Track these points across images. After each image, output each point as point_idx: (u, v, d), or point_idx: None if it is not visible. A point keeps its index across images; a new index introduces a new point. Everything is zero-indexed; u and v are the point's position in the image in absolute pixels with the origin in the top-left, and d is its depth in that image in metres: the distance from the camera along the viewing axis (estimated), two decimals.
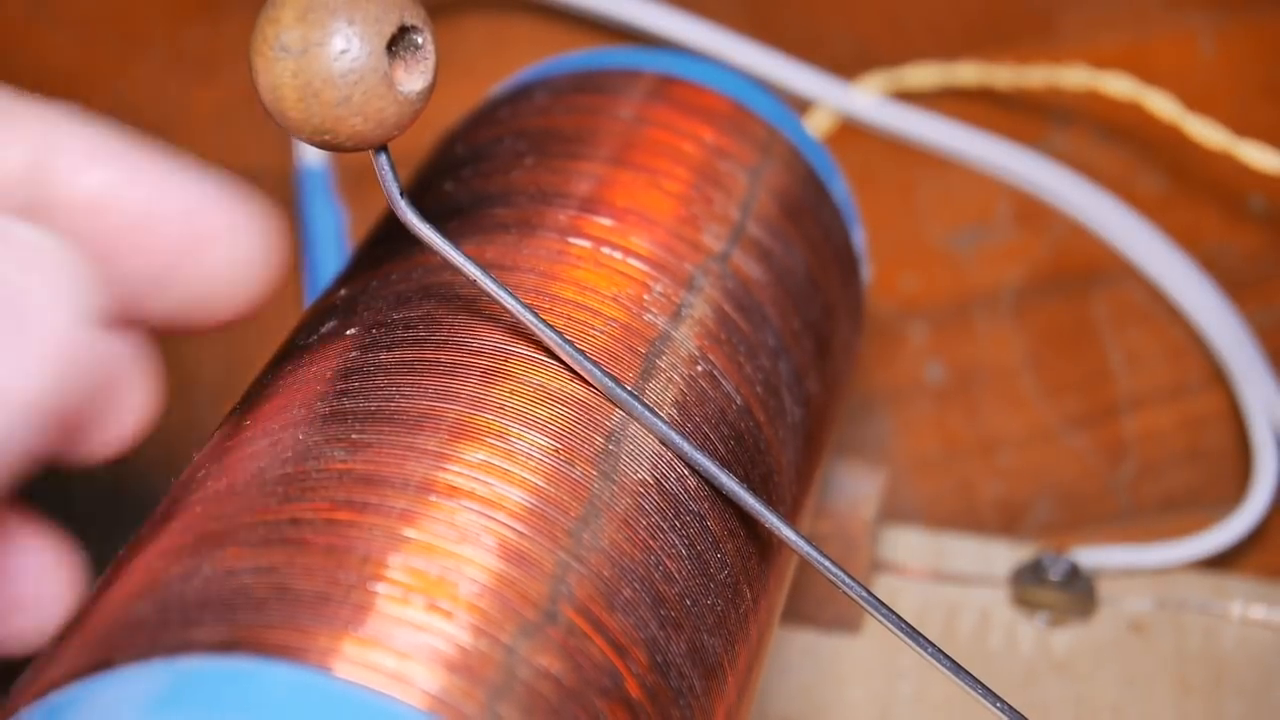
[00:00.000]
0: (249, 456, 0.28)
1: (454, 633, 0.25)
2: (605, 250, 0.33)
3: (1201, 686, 0.45)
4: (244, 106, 0.61)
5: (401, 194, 0.29)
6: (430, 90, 0.28)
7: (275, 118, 0.27)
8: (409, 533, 0.26)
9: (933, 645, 0.31)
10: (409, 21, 0.27)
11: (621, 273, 0.33)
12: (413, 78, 0.28)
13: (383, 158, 0.29)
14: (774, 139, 0.39)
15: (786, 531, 0.30)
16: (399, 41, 0.27)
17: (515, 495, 0.27)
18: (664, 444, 0.30)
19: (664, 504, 0.29)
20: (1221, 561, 0.48)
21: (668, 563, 0.29)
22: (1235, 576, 0.47)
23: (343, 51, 0.26)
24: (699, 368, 0.32)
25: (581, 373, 0.30)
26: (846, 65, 0.62)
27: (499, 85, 0.41)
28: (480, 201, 0.35)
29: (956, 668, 0.31)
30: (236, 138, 0.61)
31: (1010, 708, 0.31)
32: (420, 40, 0.28)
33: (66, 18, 0.65)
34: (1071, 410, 0.53)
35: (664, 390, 0.31)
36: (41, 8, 0.65)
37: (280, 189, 0.58)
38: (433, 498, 0.27)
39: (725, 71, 0.40)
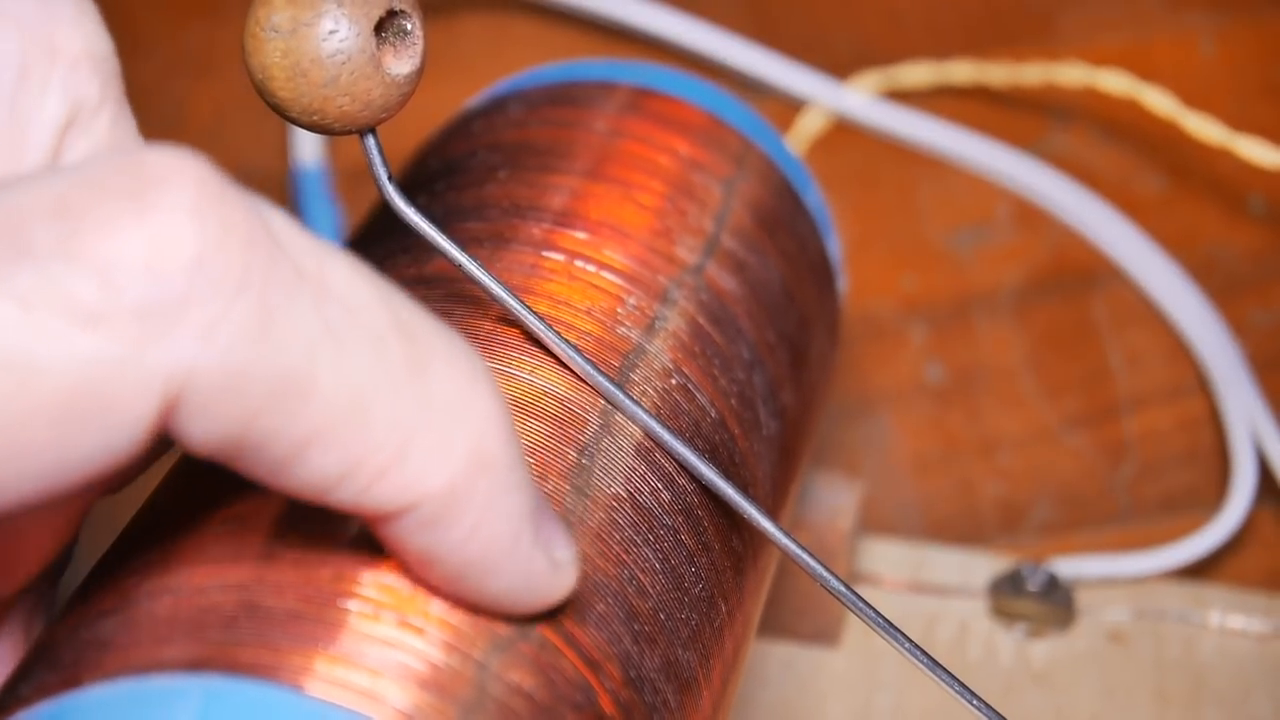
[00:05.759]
0: (219, 472, 0.28)
1: (426, 649, 0.25)
2: (579, 263, 0.33)
3: (1180, 696, 0.44)
4: (243, 107, 0.61)
5: (390, 177, 0.30)
6: (418, 74, 0.28)
7: (265, 98, 0.28)
8: (379, 549, 0.26)
9: (909, 640, 0.31)
10: (397, 6, 0.28)
11: (595, 286, 0.33)
12: (401, 61, 0.28)
13: (370, 140, 0.29)
14: (748, 151, 0.39)
15: (765, 522, 0.30)
16: (387, 26, 0.28)
17: None
18: (647, 434, 0.30)
19: (637, 518, 0.29)
20: (1200, 570, 0.48)
21: (641, 577, 0.29)
22: (1214, 586, 0.47)
23: (331, 32, 0.27)
24: (673, 380, 0.32)
25: (565, 360, 0.30)
26: (846, 65, 0.62)
27: (472, 98, 0.41)
28: (454, 215, 0.35)
29: (933, 664, 0.31)
30: (235, 138, 0.61)
31: (987, 705, 0.31)
32: (409, 26, 0.28)
33: None
34: (1071, 410, 0.53)
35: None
36: None
37: (277, 189, 0.58)
38: None
39: (700, 84, 0.40)
